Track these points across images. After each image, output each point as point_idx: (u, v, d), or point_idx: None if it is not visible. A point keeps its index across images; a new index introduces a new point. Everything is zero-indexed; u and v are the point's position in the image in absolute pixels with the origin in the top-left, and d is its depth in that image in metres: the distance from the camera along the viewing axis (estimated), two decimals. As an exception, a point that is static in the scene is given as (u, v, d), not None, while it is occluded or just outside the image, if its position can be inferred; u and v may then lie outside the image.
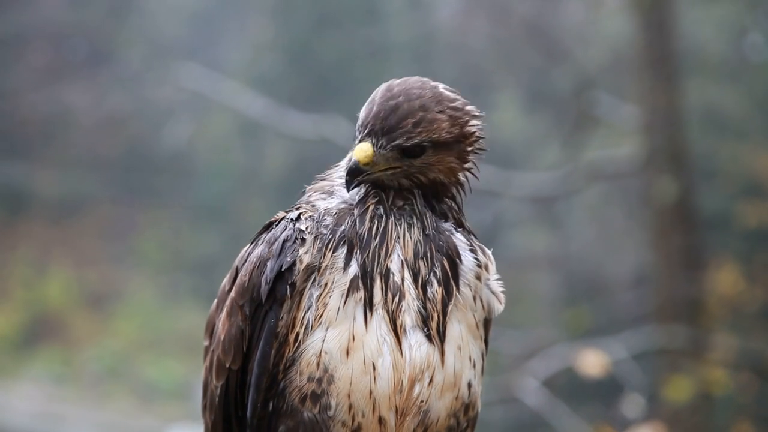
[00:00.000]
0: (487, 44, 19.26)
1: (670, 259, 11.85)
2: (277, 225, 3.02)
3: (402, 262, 2.93)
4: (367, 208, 2.96)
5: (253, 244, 3.05)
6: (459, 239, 3.03)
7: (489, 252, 3.10)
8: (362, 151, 2.93)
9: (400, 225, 2.96)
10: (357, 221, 2.94)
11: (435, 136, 2.95)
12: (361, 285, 2.90)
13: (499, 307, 3.08)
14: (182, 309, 21.31)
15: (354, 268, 2.91)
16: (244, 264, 3.03)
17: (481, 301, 3.04)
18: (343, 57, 19.61)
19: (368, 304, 2.89)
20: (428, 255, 2.95)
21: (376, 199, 2.98)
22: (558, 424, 10.47)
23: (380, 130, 2.93)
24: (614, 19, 16.24)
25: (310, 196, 3.08)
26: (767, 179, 15.04)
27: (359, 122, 2.96)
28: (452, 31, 20.63)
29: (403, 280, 2.92)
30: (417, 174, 2.98)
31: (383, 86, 3.01)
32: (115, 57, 22.12)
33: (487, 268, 3.06)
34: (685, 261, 11.84)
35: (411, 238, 2.95)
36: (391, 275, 2.92)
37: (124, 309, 21.45)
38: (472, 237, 3.07)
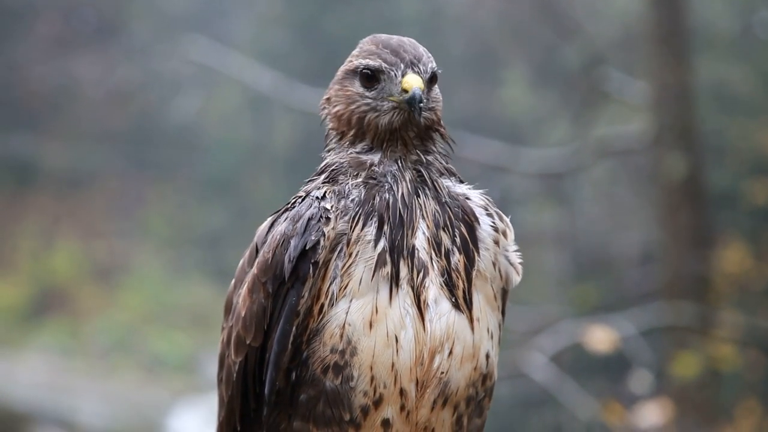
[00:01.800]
0: (496, 20, 19.20)
1: (678, 236, 11.84)
2: (302, 202, 3.00)
3: (426, 237, 2.95)
4: (398, 181, 2.97)
5: (275, 222, 3.04)
6: (475, 203, 3.06)
7: (507, 219, 3.12)
8: (416, 80, 2.98)
9: (423, 197, 2.98)
10: (387, 195, 2.95)
11: (434, 65, 3.08)
12: (388, 260, 2.91)
13: (516, 279, 3.09)
14: (189, 282, 21.35)
15: (383, 243, 2.92)
16: (266, 241, 3.01)
17: (500, 269, 3.06)
18: (351, 31, 19.56)
19: (395, 279, 2.90)
20: (448, 224, 2.97)
21: (402, 172, 2.99)
22: (566, 399, 10.49)
23: (412, 60, 3.02)
24: (624, -6, 16.19)
25: (322, 177, 3.07)
26: (776, 157, 15.01)
27: (384, 63, 3.01)
28: (462, 6, 20.57)
29: (429, 256, 2.94)
30: (426, 113, 3.02)
31: (369, 38, 3.11)
32: (123, 29, 22.10)
33: (505, 234, 3.09)
34: (692, 238, 11.82)
35: (431, 209, 2.97)
36: (416, 251, 2.93)
37: (131, 282, 21.50)
38: (489, 201, 3.10)
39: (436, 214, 2.97)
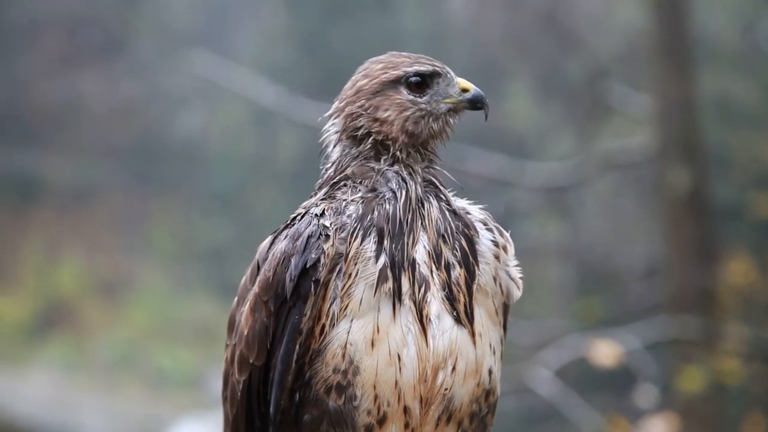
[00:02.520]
0: (500, 33, 19.22)
1: (683, 250, 11.82)
2: (300, 219, 3.00)
3: (427, 250, 2.94)
4: (403, 199, 2.97)
5: (275, 240, 3.03)
6: (474, 217, 3.06)
7: (507, 234, 3.12)
8: (469, 82, 3.09)
9: (428, 205, 2.98)
10: (388, 205, 2.95)
11: None
12: (390, 275, 2.90)
13: (517, 293, 3.09)
14: (194, 297, 21.35)
15: (383, 259, 2.91)
16: (266, 259, 3.01)
17: (500, 284, 3.05)
18: (355, 45, 19.59)
19: (397, 295, 2.89)
20: (449, 236, 2.97)
21: (410, 187, 2.99)
22: (571, 414, 10.47)
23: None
24: (628, 8, 16.20)
25: (323, 192, 3.06)
26: (780, 170, 15.01)
27: (437, 67, 3.06)
28: (466, 20, 20.59)
29: (430, 270, 2.93)
30: (435, 125, 3.07)
31: (384, 56, 3.12)
32: (128, 45, 22.15)
33: (505, 249, 3.08)
34: (697, 251, 11.80)
35: (435, 216, 2.98)
36: (417, 265, 2.92)
37: (135, 297, 21.49)
38: (488, 215, 3.10)
39: (439, 221, 2.97)
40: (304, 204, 3.08)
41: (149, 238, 22.28)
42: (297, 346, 2.92)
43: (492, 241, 3.05)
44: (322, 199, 3.03)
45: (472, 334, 2.94)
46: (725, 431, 12.14)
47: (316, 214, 2.97)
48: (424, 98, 3.03)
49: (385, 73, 3.06)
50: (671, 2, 12.09)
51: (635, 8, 14.59)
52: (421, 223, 2.95)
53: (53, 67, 21.87)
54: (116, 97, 21.90)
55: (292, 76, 19.51)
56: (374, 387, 2.87)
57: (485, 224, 3.07)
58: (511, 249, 3.10)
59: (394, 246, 2.91)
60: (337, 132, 3.11)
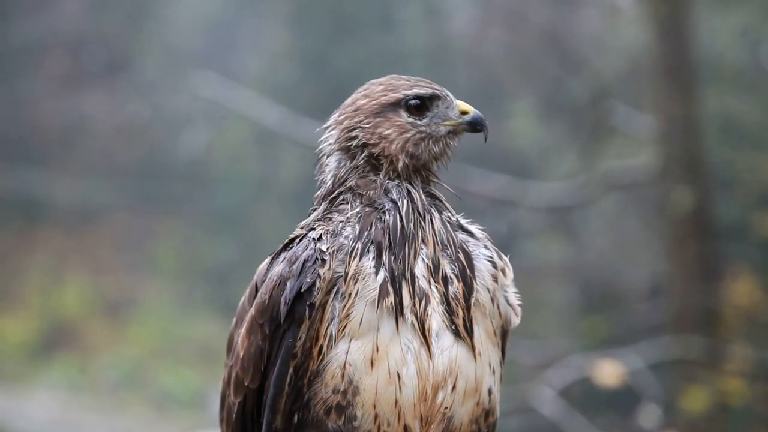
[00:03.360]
0: (503, 53, 19.25)
1: (686, 269, 11.82)
2: (298, 243, 3.01)
3: (426, 263, 2.95)
4: (406, 208, 2.99)
5: (273, 262, 3.05)
6: (474, 234, 3.08)
7: (506, 258, 3.13)
8: (468, 105, 3.11)
9: (430, 217, 3.00)
10: (391, 221, 2.96)
11: None
12: (390, 289, 2.91)
13: (515, 320, 3.09)
14: (198, 317, 21.33)
15: (383, 273, 2.92)
16: (264, 282, 3.02)
17: (498, 306, 3.05)
18: (358, 65, 19.63)
19: (399, 309, 2.90)
20: (450, 249, 2.99)
21: (414, 197, 3.01)
22: (574, 434, 10.46)
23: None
24: (631, 27, 16.22)
25: (321, 212, 3.08)
26: (784, 189, 15.00)
27: (436, 90, 3.08)
28: (468, 39, 20.63)
29: (428, 282, 2.94)
30: (436, 147, 3.08)
31: (384, 78, 3.14)
32: (132, 65, 22.19)
33: (504, 272, 3.09)
34: (701, 271, 11.80)
35: (438, 227, 2.99)
36: (417, 279, 2.93)
37: (139, 317, 21.49)
38: (487, 236, 3.12)
39: (441, 232, 2.98)
40: (303, 223, 3.10)
41: (153, 258, 22.29)
42: (290, 370, 2.93)
43: (490, 260, 3.06)
44: (319, 220, 3.05)
45: (472, 348, 2.95)
46: (729, 451, 12.12)
47: (313, 238, 2.99)
48: (424, 121, 3.05)
49: (385, 95, 3.08)
50: (674, 22, 12.13)
51: (638, 28, 14.62)
52: (422, 234, 2.96)
53: (57, 88, 21.93)
54: (120, 117, 21.94)
55: (295, 96, 19.55)
56: (374, 406, 2.87)
57: (484, 243, 3.08)
58: (509, 273, 3.11)
59: (393, 258, 2.92)
60: (332, 143, 3.16)
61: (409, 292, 2.91)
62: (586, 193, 13.16)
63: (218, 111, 18.69)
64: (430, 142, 3.05)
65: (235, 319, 3.15)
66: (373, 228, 2.96)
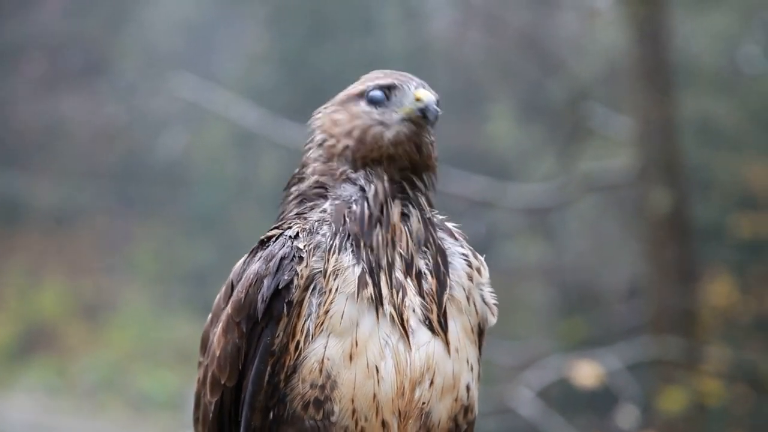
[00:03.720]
0: (481, 55, 19.28)
1: (664, 270, 11.86)
2: (275, 241, 3.00)
3: (400, 255, 2.95)
4: (372, 194, 2.97)
5: (250, 260, 3.04)
6: (446, 237, 3.06)
7: (481, 257, 3.12)
8: (428, 93, 3.02)
9: (400, 214, 2.98)
10: (358, 211, 2.95)
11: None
12: (369, 280, 2.90)
13: (492, 320, 3.09)
14: (176, 319, 21.28)
15: (362, 265, 2.91)
16: (240, 280, 3.02)
17: (475, 305, 3.05)
18: (337, 67, 19.62)
19: (378, 300, 2.89)
20: (422, 249, 2.97)
21: (377, 185, 2.99)
22: (552, 435, 10.48)
23: (423, 82, 3.07)
24: (609, 30, 16.27)
25: (294, 209, 3.08)
26: (761, 191, 15.07)
27: (396, 80, 3.05)
28: (447, 42, 20.65)
29: (404, 275, 2.94)
30: (425, 145, 3.04)
31: (371, 73, 3.12)
32: (110, 67, 22.14)
33: (479, 271, 3.08)
34: (679, 272, 11.85)
35: (408, 228, 2.97)
36: (393, 270, 2.93)
37: (118, 319, 21.42)
38: (463, 235, 3.10)
39: (417, 228, 2.99)
40: (278, 220, 3.10)
41: (132, 260, 22.23)
42: (269, 367, 2.93)
43: (465, 259, 3.06)
44: (294, 218, 3.05)
45: (446, 343, 2.95)
46: (707, 451, 12.16)
47: (290, 236, 2.98)
48: (380, 109, 3.03)
49: (354, 87, 3.11)
50: (652, 25, 12.17)
51: (616, 31, 14.66)
52: (397, 228, 2.96)
53: (35, 90, 21.85)
54: (99, 119, 21.88)
55: (274, 98, 19.53)
56: (352, 401, 2.87)
57: (460, 243, 3.08)
58: (485, 272, 3.09)
59: (370, 250, 2.93)
60: (310, 139, 3.16)
61: (387, 283, 2.91)
62: (564, 195, 13.20)
63: (197, 113, 18.68)
64: (381, 128, 3.01)
65: (210, 317, 3.14)
66: (347, 222, 2.95)
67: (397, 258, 2.94)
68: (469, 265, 3.06)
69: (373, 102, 3.04)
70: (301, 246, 2.95)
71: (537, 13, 17.74)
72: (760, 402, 13.04)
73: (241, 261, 3.09)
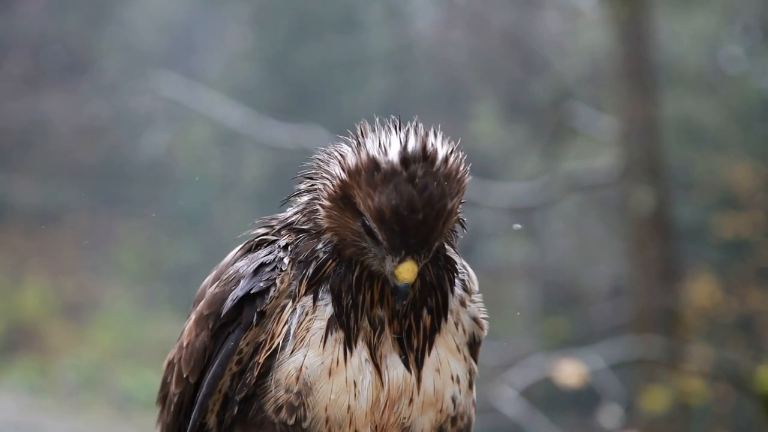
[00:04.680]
0: (465, 55, 19.30)
1: (647, 270, 11.89)
2: (267, 246, 2.97)
3: (387, 307, 2.88)
4: (359, 273, 2.87)
5: (239, 256, 3.01)
6: (456, 269, 2.99)
7: (473, 274, 3.07)
8: (409, 271, 2.74)
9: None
10: (345, 270, 2.87)
11: (453, 221, 2.87)
12: (339, 326, 2.85)
13: (481, 334, 3.05)
14: (159, 318, 21.24)
15: (330, 309, 2.86)
16: (221, 274, 3.00)
17: (463, 327, 3.01)
18: (321, 67, 19.61)
19: (347, 343, 2.85)
20: (420, 299, 2.89)
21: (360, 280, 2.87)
22: (535, 434, 10.49)
23: (416, 245, 2.74)
24: (592, 30, 16.31)
25: (295, 219, 2.99)
26: (743, 191, 15.11)
27: (386, 242, 2.75)
28: (431, 41, 20.66)
29: (387, 316, 2.88)
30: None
31: (394, 182, 2.72)
32: (93, 66, 22.07)
33: (471, 291, 3.04)
34: (661, 271, 11.88)
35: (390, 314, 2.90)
36: (375, 313, 2.87)
37: (101, 318, 21.37)
38: (462, 261, 3.04)
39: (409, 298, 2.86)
40: (276, 223, 3.04)
41: (115, 259, 22.17)
42: (226, 372, 2.89)
43: (462, 287, 3.00)
44: (291, 229, 2.98)
45: (418, 380, 2.88)
46: (689, 450, 12.19)
47: (279, 245, 2.94)
48: (370, 242, 2.81)
49: (361, 191, 2.78)
50: (635, 25, 12.20)
51: (599, 31, 14.69)
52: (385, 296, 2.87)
53: (17, 88, 21.77)
54: (81, 118, 21.80)
55: (258, 97, 19.51)
56: (326, 409, 2.84)
57: (461, 278, 3.01)
58: (475, 289, 3.05)
59: (347, 302, 2.85)
60: (309, 187, 2.97)
61: (364, 327, 2.86)
62: (547, 194, 13.22)
63: (180, 111, 18.64)
64: (369, 258, 2.83)
65: (195, 299, 3.11)
66: (334, 276, 2.87)
67: (382, 311, 2.87)
68: (465, 288, 3.01)
69: (368, 231, 2.78)
70: (286, 260, 2.90)
71: (520, 12, 17.77)
72: (742, 401, 13.08)
73: (232, 254, 3.06)
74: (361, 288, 2.86)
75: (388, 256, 2.74)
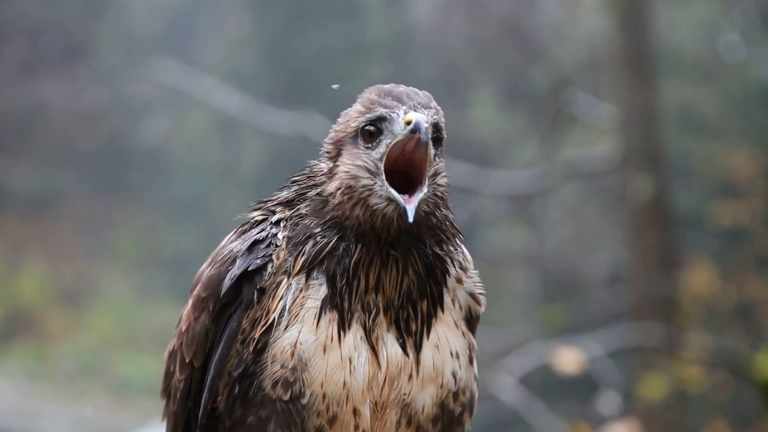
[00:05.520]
0: (464, 42, 19.27)
1: (646, 258, 11.90)
2: (258, 224, 2.98)
3: (383, 294, 2.89)
4: (358, 256, 2.88)
5: (231, 238, 3.03)
6: (453, 255, 3.00)
7: (467, 252, 3.08)
8: (420, 115, 2.84)
9: (387, 268, 2.89)
10: (342, 253, 2.88)
11: (443, 128, 2.95)
12: (332, 307, 2.87)
13: (479, 309, 3.07)
14: (157, 305, 21.25)
15: (324, 290, 2.88)
16: (216, 256, 3.01)
17: (459, 303, 3.03)
18: (320, 54, 19.58)
19: (341, 324, 2.87)
20: (418, 286, 2.91)
21: (361, 250, 2.89)
22: (534, 421, 10.51)
23: (416, 105, 2.89)
24: (591, 17, 16.28)
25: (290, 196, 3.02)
26: (741, 178, 15.11)
27: (383, 108, 2.88)
28: (430, 28, 20.63)
29: (383, 302, 2.89)
30: (436, 194, 2.92)
31: (374, 88, 2.97)
32: (91, 52, 22.04)
33: (466, 270, 3.06)
34: (660, 259, 11.88)
35: (396, 280, 2.90)
36: (370, 299, 2.89)
37: (99, 305, 21.38)
38: (459, 242, 3.05)
39: (402, 282, 2.90)
40: (270, 204, 3.05)
41: (113, 246, 22.17)
42: (234, 351, 2.90)
43: (459, 266, 3.02)
44: (284, 205, 3.01)
45: (417, 362, 2.90)
46: (687, 438, 12.21)
47: (272, 222, 2.96)
48: (375, 152, 2.88)
49: (351, 119, 2.96)
50: (634, 12, 12.19)
51: (599, 18, 14.68)
52: (383, 275, 2.89)
53: (16, 75, 21.74)
54: (79, 104, 21.78)
55: (257, 83, 19.49)
56: (322, 385, 2.85)
57: (457, 250, 3.03)
58: (470, 266, 3.06)
59: (342, 286, 2.87)
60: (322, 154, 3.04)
61: (358, 309, 2.87)
62: (546, 182, 13.22)
63: (179, 98, 18.63)
64: (382, 193, 2.86)
65: (192, 285, 3.11)
66: (330, 257, 2.89)
67: (378, 298, 2.89)
68: (461, 267, 3.03)
69: (369, 137, 2.88)
70: (281, 236, 2.92)
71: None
72: (740, 388, 13.10)
73: (227, 237, 3.07)
74: (358, 272, 2.88)
75: (393, 116, 2.85)
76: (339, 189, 2.90)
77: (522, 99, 18.41)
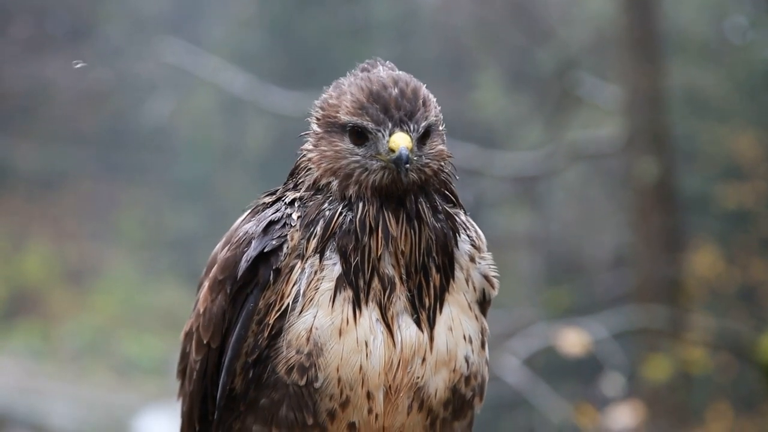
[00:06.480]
0: (469, 23, 19.23)
1: (650, 240, 11.90)
2: (271, 205, 2.99)
3: (395, 256, 2.89)
4: (360, 214, 2.89)
5: (246, 219, 3.03)
6: (459, 222, 3.01)
7: (480, 233, 3.08)
8: (404, 139, 2.85)
9: (396, 221, 2.90)
10: (349, 223, 2.89)
11: (433, 118, 2.95)
12: (347, 285, 2.87)
13: (493, 293, 3.07)
14: (162, 285, 21.29)
15: (339, 268, 2.88)
16: (232, 238, 3.00)
17: (473, 284, 3.02)
18: (325, 34, 19.55)
19: (356, 303, 2.87)
20: (426, 247, 2.92)
21: (366, 207, 2.90)
22: (538, 402, 10.52)
23: (402, 118, 2.89)
24: (597, -1, 16.25)
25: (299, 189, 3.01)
26: (746, 161, 15.10)
27: (371, 123, 2.88)
28: (435, 9, 20.59)
29: (398, 274, 2.89)
30: (424, 167, 2.93)
31: (361, 80, 2.95)
32: (96, 31, 22.02)
33: (479, 249, 3.05)
34: (664, 241, 11.88)
35: (406, 233, 2.90)
36: (384, 271, 2.88)
37: (103, 285, 21.42)
38: (469, 218, 3.05)
39: (413, 237, 2.90)
40: (281, 188, 3.06)
41: (117, 226, 22.20)
42: (250, 333, 2.91)
43: (471, 245, 3.02)
44: (293, 191, 3.01)
45: (431, 338, 2.90)
46: (691, 420, 12.24)
47: (285, 202, 2.96)
48: (362, 150, 2.91)
49: (337, 110, 2.97)
50: (641, -6, 12.16)
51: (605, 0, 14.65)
52: (391, 234, 2.89)
53: (21, 54, 21.72)
54: (84, 83, 21.77)
55: (262, 64, 19.47)
56: (337, 370, 2.86)
57: (466, 228, 3.03)
58: (484, 247, 3.06)
59: (356, 257, 2.87)
60: (310, 162, 3.02)
61: (374, 285, 2.87)
62: (551, 164, 13.21)
63: (183, 78, 18.59)
64: (367, 173, 2.90)
65: (206, 267, 3.10)
66: (339, 228, 2.90)
67: (390, 259, 2.89)
68: (473, 245, 3.02)
69: (356, 138, 2.91)
70: (295, 216, 2.93)
71: (525, -20, 17.69)
72: (744, 370, 13.11)
73: (240, 219, 3.06)
74: (366, 229, 2.88)
75: (379, 135, 2.87)
76: (327, 171, 2.94)
77: (527, 80, 18.38)
